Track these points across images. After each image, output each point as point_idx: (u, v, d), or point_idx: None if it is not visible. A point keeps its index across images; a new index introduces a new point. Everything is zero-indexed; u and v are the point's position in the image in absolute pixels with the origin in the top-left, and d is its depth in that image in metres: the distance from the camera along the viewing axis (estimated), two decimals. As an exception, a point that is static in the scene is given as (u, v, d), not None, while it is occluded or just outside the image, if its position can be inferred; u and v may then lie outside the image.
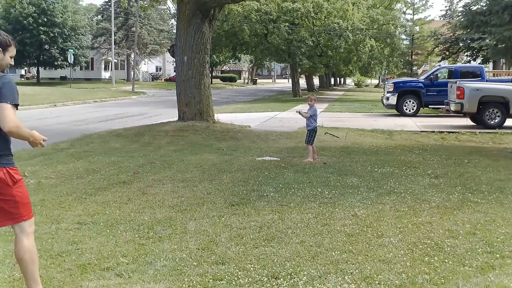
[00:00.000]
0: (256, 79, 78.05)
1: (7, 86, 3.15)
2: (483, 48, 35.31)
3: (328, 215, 5.40)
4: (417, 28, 54.28)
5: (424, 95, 19.76)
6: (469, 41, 38.27)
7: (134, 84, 41.30)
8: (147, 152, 10.00)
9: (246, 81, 79.01)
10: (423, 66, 55.57)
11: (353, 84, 77.43)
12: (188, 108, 13.82)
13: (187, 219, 5.28)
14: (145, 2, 36.15)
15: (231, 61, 62.86)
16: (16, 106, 3.16)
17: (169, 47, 21.66)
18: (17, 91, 3.22)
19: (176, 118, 14.38)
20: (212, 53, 35.62)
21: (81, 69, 57.43)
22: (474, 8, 31.58)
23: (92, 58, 58.42)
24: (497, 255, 4.21)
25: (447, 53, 43.07)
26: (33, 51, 45.55)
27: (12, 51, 3.37)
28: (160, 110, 22.21)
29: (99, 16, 61.04)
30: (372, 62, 36.34)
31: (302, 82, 46.83)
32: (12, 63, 3.42)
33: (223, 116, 15.82)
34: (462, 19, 32.59)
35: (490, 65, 37.44)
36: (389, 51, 37.14)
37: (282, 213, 5.48)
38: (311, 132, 9.12)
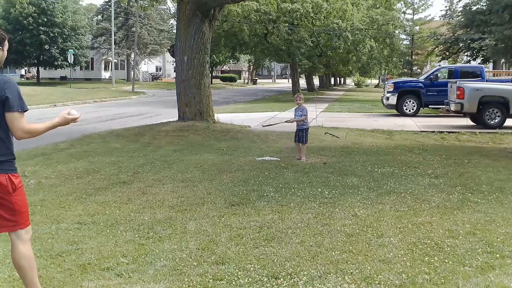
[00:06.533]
0: (256, 79, 77.98)
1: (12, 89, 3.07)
2: (483, 48, 35.30)
3: (328, 215, 5.40)
4: (417, 28, 54.15)
5: (424, 95, 19.76)
6: (469, 41, 38.25)
7: (134, 84, 41.28)
8: (147, 152, 10.00)
9: (246, 81, 78.95)
10: (426, 67, 55.34)
11: (353, 84, 77.39)
12: (188, 108, 13.83)
13: (187, 219, 5.28)
14: (145, 2, 36.11)
15: (231, 61, 62.83)
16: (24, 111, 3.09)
17: (169, 47, 21.65)
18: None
19: (176, 118, 14.38)
20: (212, 53, 35.60)
21: (81, 69, 57.30)
22: (474, 8, 31.56)
23: (92, 58, 58.37)
24: (497, 255, 4.22)
25: (447, 53, 43.05)
26: (33, 51, 45.50)
27: (6, 44, 3.26)
28: (160, 110, 22.20)
29: (99, 16, 60.99)
30: (371, 62, 36.32)
31: (302, 82, 46.81)
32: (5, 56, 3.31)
33: (223, 116, 15.81)
34: (462, 19, 32.59)
35: (490, 65, 37.43)
36: (389, 52, 37.11)
37: (282, 213, 5.48)
38: (305, 131, 9.18)
